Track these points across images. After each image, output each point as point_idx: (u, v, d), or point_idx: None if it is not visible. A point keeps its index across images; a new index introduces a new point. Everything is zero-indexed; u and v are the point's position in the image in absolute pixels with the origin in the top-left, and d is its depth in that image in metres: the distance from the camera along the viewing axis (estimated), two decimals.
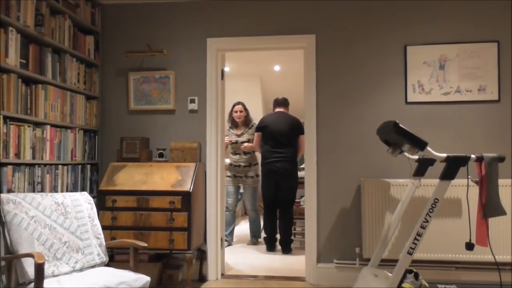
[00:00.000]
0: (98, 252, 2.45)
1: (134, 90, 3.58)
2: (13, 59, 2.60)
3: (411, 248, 2.41)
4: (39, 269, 1.92)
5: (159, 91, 3.56)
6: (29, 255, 2.03)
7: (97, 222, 2.55)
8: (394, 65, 3.35)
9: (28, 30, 2.71)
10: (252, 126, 4.73)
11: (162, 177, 3.14)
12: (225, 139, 4.39)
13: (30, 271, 2.05)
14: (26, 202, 2.26)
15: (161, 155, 3.40)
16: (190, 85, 3.55)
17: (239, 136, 4.72)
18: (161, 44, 3.58)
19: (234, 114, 4.73)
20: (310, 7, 3.45)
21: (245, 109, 4.75)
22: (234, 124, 4.79)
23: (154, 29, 3.60)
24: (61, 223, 2.35)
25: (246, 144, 4.63)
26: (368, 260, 3.01)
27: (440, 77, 3.30)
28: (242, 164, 4.65)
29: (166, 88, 3.55)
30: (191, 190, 3.02)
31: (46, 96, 2.91)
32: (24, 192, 2.67)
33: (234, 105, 4.73)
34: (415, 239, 2.42)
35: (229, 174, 4.69)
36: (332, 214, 3.36)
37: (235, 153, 4.69)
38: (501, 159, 2.45)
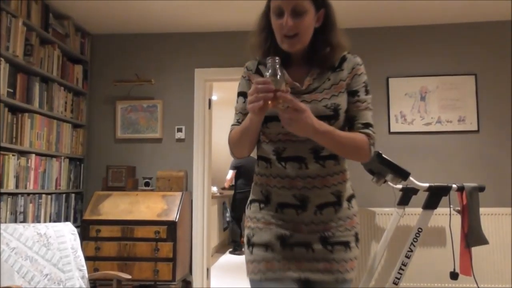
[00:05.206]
0: (80, 284, 2.39)
1: (121, 118, 3.59)
2: (0, 88, 2.60)
3: (396, 278, 2.42)
4: None
5: (146, 119, 3.57)
6: None
7: (80, 253, 2.49)
8: (377, 96, 3.45)
9: (16, 60, 2.73)
10: (347, 60, 1.35)
11: (148, 206, 3.11)
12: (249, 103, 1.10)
13: None
14: (8, 233, 2.21)
15: (147, 184, 3.38)
16: (177, 114, 3.58)
17: (298, 93, 1.22)
18: (149, 73, 3.62)
19: (276, 22, 1.21)
20: None
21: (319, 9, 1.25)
22: (274, 61, 1.08)
23: (143, 59, 3.66)
24: (43, 255, 2.30)
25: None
26: None
27: (422, 108, 3.40)
28: (308, 195, 1.23)
29: (154, 117, 3.57)
30: (176, 220, 3.00)
31: (32, 124, 2.91)
32: (5, 222, 2.61)
33: None
34: (400, 268, 2.43)
35: (255, 239, 1.23)
36: None
37: (279, 157, 1.24)
38: (481, 189, 2.52)
